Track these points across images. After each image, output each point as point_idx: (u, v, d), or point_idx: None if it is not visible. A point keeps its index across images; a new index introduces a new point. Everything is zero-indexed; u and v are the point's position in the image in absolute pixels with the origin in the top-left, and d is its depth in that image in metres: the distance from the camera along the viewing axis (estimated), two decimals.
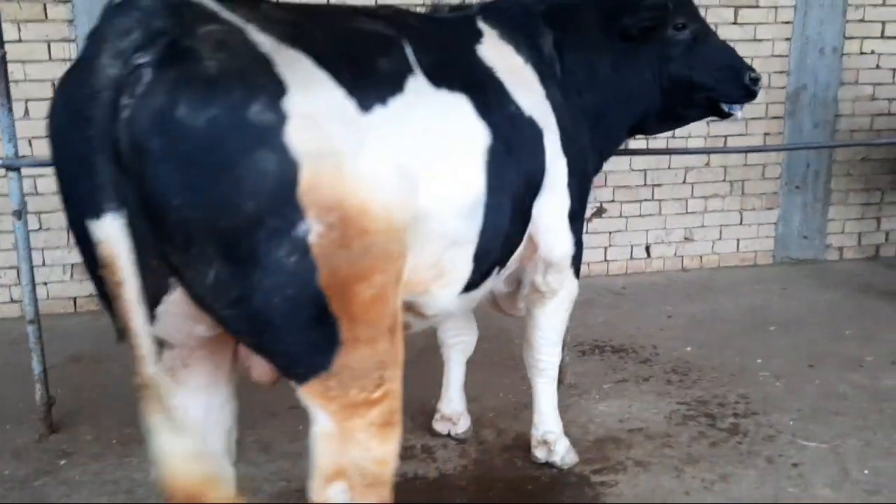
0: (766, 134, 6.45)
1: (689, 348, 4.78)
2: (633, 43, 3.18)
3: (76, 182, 1.63)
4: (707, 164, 6.39)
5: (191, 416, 2.07)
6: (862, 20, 6.39)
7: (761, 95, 6.21)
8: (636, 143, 5.71)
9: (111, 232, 1.61)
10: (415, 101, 2.08)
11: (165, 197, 1.62)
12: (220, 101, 1.61)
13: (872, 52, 6.49)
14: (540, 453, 3.37)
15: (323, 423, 1.93)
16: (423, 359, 3.97)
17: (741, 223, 6.59)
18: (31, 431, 3.73)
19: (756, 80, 3.34)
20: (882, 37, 6.47)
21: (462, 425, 3.64)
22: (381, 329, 1.92)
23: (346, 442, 1.94)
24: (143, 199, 1.62)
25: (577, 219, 3.02)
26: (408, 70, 2.12)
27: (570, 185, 2.92)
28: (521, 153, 2.57)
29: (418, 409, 3.82)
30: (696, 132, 6.16)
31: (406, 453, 3.53)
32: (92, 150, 1.58)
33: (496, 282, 2.85)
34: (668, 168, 6.32)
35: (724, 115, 3.48)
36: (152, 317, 1.81)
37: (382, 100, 1.95)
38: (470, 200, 2.28)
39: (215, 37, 1.68)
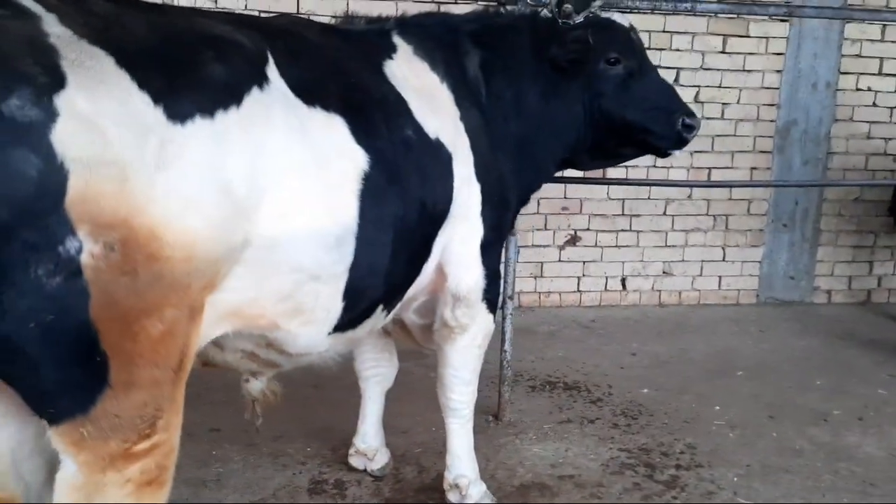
0: (752, 168, 6.20)
1: (645, 390, 4.53)
2: (563, 73, 3.00)
3: None
4: (689, 197, 6.14)
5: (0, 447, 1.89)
6: (858, 55, 6.14)
7: (748, 128, 6.07)
8: (615, 171, 5.44)
9: None
10: (257, 116, 1.86)
11: None
12: None
13: (869, 89, 6.22)
14: (453, 497, 3.14)
15: (69, 470, 1.67)
16: (352, 384, 3.75)
17: (724, 259, 6.33)
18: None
19: (690, 127, 3.15)
20: (879, 73, 6.20)
21: (378, 461, 3.42)
22: (167, 371, 1.70)
23: (94, 497, 1.67)
24: None
25: (490, 250, 2.81)
26: (254, 82, 1.90)
27: (485, 214, 2.73)
28: (416, 180, 2.37)
29: (341, 440, 3.62)
30: (679, 163, 5.95)
31: (317, 487, 3.34)
32: None
33: (386, 320, 2.63)
34: (648, 198, 6.09)
35: (662, 155, 3.32)
36: None
37: (206, 111, 1.73)
38: (334, 231, 2.07)
39: None
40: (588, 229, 6.08)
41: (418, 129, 2.44)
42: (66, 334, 1.53)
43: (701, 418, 4.16)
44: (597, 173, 4.61)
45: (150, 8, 1.89)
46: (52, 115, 1.45)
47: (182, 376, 1.77)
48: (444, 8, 5.32)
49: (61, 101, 1.47)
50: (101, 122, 1.52)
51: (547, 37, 3.01)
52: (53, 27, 1.55)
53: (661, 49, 5.77)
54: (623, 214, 6.10)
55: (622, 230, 6.11)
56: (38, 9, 1.57)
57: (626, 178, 5.42)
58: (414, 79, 2.59)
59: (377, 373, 3.37)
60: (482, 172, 2.71)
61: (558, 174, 3.60)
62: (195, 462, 3.45)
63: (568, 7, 3.09)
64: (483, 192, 2.72)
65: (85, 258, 1.49)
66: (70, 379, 1.58)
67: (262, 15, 5.22)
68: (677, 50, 5.87)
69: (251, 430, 3.44)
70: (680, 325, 5.86)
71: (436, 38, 2.80)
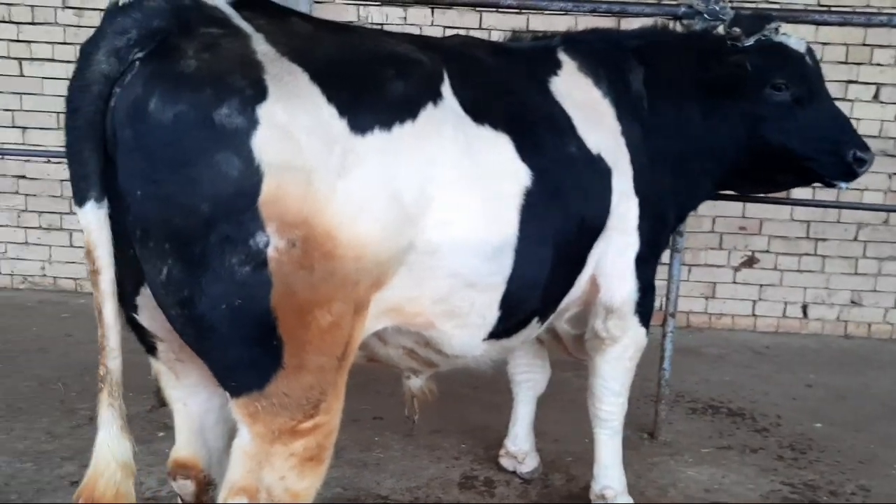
0: None
1: (818, 424, 4.26)
2: (723, 95, 2.96)
3: (70, 170, 1.74)
4: (885, 223, 5.67)
5: (190, 412, 2.19)
6: None
7: None
8: (800, 192, 5.20)
9: (91, 221, 1.71)
10: (430, 131, 2.02)
11: (130, 187, 1.68)
12: (189, 98, 1.65)
13: None
14: None
15: (244, 438, 1.89)
16: (508, 388, 3.87)
17: None
18: (145, 402, 4.11)
19: (861, 161, 3.00)
20: None
21: (528, 465, 3.51)
22: (332, 359, 1.88)
23: (263, 465, 1.88)
24: (115, 187, 1.71)
25: (645, 264, 2.82)
26: (429, 98, 2.06)
27: (641, 227, 2.75)
28: (577, 195, 2.46)
29: (494, 441, 3.75)
30: (875, 185, 5.52)
31: (467, 483, 3.48)
32: (78, 140, 1.69)
33: (540, 330, 2.73)
34: (837, 222, 5.70)
35: (829, 185, 3.17)
36: (135, 306, 1.93)
37: (385, 124, 1.90)
38: (492, 243, 2.18)
39: (209, 39, 1.73)
40: (767, 251, 5.79)
41: (580, 144, 2.52)
42: (251, 318, 1.75)
43: (879, 460, 3.86)
44: (780, 193, 4.41)
45: (343, 29, 2.13)
46: (254, 123, 1.68)
47: (345, 365, 1.96)
48: (621, 22, 5.31)
49: (262, 111, 1.69)
50: (295, 131, 1.73)
51: (712, 57, 3.00)
52: (260, 45, 1.79)
53: (859, 63, 5.40)
54: (808, 237, 5.75)
55: (805, 254, 5.77)
56: (249, 29, 1.82)
57: (814, 198, 5.12)
58: (578, 94, 2.67)
59: (529, 378, 3.47)
60: (641, 187, 2.73)
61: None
62: (359, 445, 3.72)
63: (736, 30, 3.04)
64: (641, 206, 2.74)
65: (271, 252, 1.71)
66: (251, 357, 1.80)
67: (447, 30, 5.55)
68: (878, 65, 5.45)
69: (410, 421, 3.68)
70: (865, 358, 5.43)
71: (600, 54, 2.87)
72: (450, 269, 2.11)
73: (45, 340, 4.97)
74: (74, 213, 5.24)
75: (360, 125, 1.85)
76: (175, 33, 1.73)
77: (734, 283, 5.84)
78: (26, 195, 5.95)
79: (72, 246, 6.02)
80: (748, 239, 5.77)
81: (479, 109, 2.22)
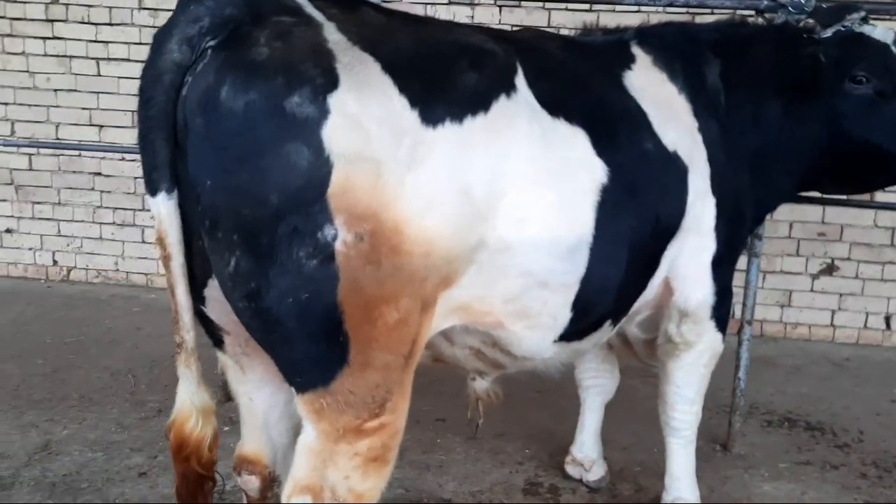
0: None
1: None
2: (800, 89, 2.82)
3: (142, 160, 1.75)
4: None
5: (255, 407, 2.17)
6: None
7: None
8: (884, 195, 4.94)
9: (162, 210, 1.71)
10: (503, 124, 1.95)
11: (200, 177, 1.67)
12: (260, 87, 1.62)
13: None
14: None
15: (309, 435, 1.86)
16: (574, 393, 3.77)
17: None
18: (211, 397, 4.15)
19: None
20: None
21: (595, 473, 3.41)
22: (398, 357, 1.83)
23: (327, 464, 1.85)
24: (186, 177, 1.70)
25: (722, 266, 2.70)
26: (502, 90, 1.99)
27: (718, 228, 2.63)
28: (653, 193, 2.37)
29: (559, 447, 3.66)
30: None
31: (531, 489, 3.41)
32: (151, 130, 1.69)
33: (610, 334, 2.63)
34: None
35: None
36: (203, 298, 1.91)
37: (456, 116, 1.84)
38: (567, 241, 2.10)
39: (282, 27, 1.71)
40: (848, 259, 5.51)
41: (657, 141, 2.42)
42: (317, 312, 1.71)
43: None
44: (863, 196, 4.20)
45: (416, 19, 2.08)
46: (324, 112, 1.64)
47: (411, 363, 1.91)
48: (696, 18, 5.14)
49: (333, 100, 1.65)
50: (365, 122, 1.68)
51: (788, 50, 2.87)
52: (332, 34, 1.76)
53: None
54: (892, 245, 5.45)
55: (889, 262, 5.47)
56: (321, 17, 1.79)
57: None
58: (652, 89, 2.58)
59: (597, 383, 3.37)
60: (718, 185, 2.62)
61: (817, 195, 3.35)
62: (421, 447, 3.68)
63: (809, 21, 2.90)
64: (718, 205, 2.62)
65: (338, 245, 1.67)
66: (317, 353, 1.77)
67: (515, 28, 5.46)
68: None
69: (474, 424, 3.62)
70: None
71: (675, 47, 2.76)
72: (522, 268, 2.04)
73: (117, 333, 5.09)
74: (147, 210, 5.34)
75: (431, 117, 1.80)
76: (247, 21, 1.71)
77: (812, 291, 5.58)
78: (101, 192, 6.11)
79: (143, 242, 6.15)
80: (827, 245, 5.51)
81: (554, 102, 2.14)
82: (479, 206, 1.88)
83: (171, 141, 1.71)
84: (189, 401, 1.93)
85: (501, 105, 1.97)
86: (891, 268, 5.48)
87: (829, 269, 5.54)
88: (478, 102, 1.92)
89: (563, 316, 2.23)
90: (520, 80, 2.08)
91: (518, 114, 2.01)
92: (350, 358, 1.77)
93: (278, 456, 2.23)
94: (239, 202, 1.65)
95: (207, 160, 1.66)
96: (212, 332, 2.06)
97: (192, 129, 1.67)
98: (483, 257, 1.96)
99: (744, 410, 3.88)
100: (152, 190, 1.72)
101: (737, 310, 3.69)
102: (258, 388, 2.14)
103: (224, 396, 4.05)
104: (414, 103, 1.78)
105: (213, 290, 1.87)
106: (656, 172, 2.40)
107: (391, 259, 1.73)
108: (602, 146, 2.21)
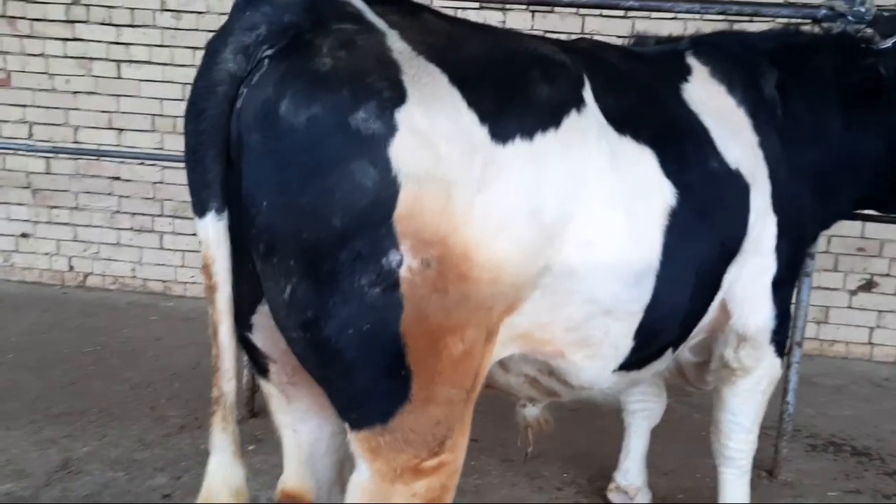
0: None
1: None
2: (861, 102, 2.68)
3: (190, 178, 1.60)
4: None
5: (299, 439, 2.03)
6: None
7: None
8: None
9: (211, 233, 1.57)
10: (574, 140, 1.81)
11: (256, 196, 1.52)
12: (324, 101, 1.48)
13: None
14: None
15: (363, 474, 1.71)
16: (611, 411, 3.62)
17: None
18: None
19: None
20: None
21: (639, 500, 3.25)
22: (461, 391, 1.69)
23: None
24: (239, 197, 1.55)
25: (783, 288, 2.55)
26: (573, 105, 1.85)
27: (780, 248, 2.48)
28: (717, 216, 2.23)
29: (598, 470, 3.51)
30: None
31: None
32: (202, 145, 1.55)
33: (669, 362, 2.48)
34: None
35: None
36: (250, 325, 1.77)
37: (527, 133, 1.70)
38: (635, 267, 1.96)
39: (344, 36, 1.56)
40: (888, 275, 5.35)
41: (720, 159, 2.28)
42: (379, 344, 1.57)
43: None
44: None
45: (480, 27, 1.93)
46: (392, 128, 1.50)
47: (473, 397, 1.77)
48: (737, 26, 4.99)
49: (401, 115, 1.51)
50: (435, 139, 1.54)
51: (847, 61, 2.73)
52: (396, 43, 1.61)
53: None
54: None
55: None
56: (383, 25, 1.64)
57: None
58: (711, 102, 2.43)
59: (645, 407, 3.21)
60: (780, 203, 2.47)
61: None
62: None
63: (868, 30, 2.75)
64: (779, 224, 2.48)
65: (403, 272, 1.53)
66: (377, 388, 1.63)
67: (548, 34, 5.33)
68: None
69: (508, 444, 3.46)
70: None
71: (732, 58, 2.61)
72: (587, 295, 1.90)
73: (135, 343, 4.96)
74: (165, 216, 5.23)
75: (501, 133, 1.66)
76: (308, 29, 1.57)
77: (850, 307, 5.42)
78: (120, 196, 5.99)
79: (162, 248, 6.03)
80: (867, 261, 5.35)
81: (621, 118, 2.01)
82: (548, 229, 1.74)
83: (222, 157, 1.56)
84: (221, 480, 1.69)
85: (572, 120, 1.82)
86: None
87: (868, 286, 5.38)
88: (549, 117, 1.77)
89: (625, 345, 2.09)
90: (588, 94, 1.94)
91: (587, 129, 1.87)
92: (412, 393, 1.63)
93: (323, 491, 2.08)
94: (298, 225, 1.50)
95: (265, 179, 1.52)
96: (256, 361, 1.91)
97: (248, 145, 1.53)
98: (547, 283, 1.82)
99: (789, 433, 3.72)
100: (200, 210, 1.57)
101: None
102: (304, 419, 1.99)
103: (249, 413, 3.95)
104: (484, 118, 1.63)
105: (261, 316, 1.73)
106: (721, 192, 2.26)
107: (458, 286, 1.59)
108: (669, 165, 2.07)
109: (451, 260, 1.57)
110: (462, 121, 1.60)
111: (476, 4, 5.24)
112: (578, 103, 1.87)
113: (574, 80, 1.91)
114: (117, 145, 5.87)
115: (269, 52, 1.55)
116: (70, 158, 5.91)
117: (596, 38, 5.18)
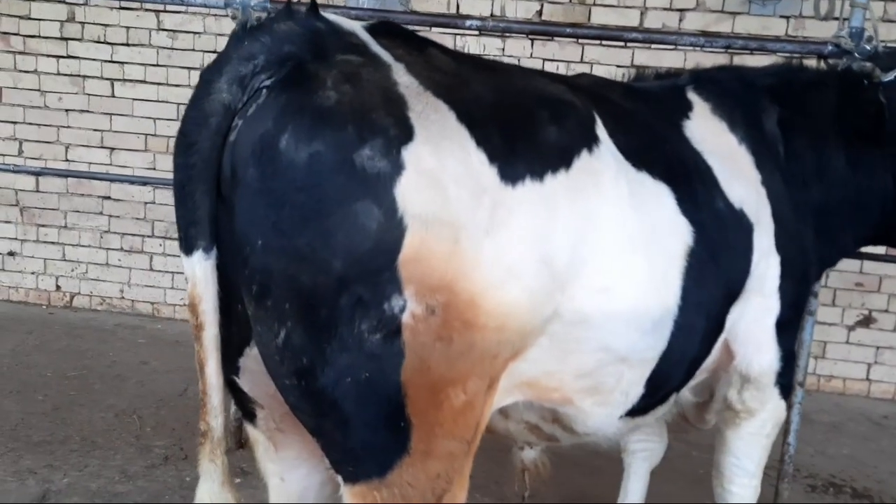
0: None
1: None
2: (865, 138, 2.62)
3: (178, 213, 1.52)
4: None
5: (287, 489, 1.94)
6: None
7: None
8: None
9: (198, 272, 1.49)
10: (587, 182, 1.73)
11: (250, 235, 1.44)
12: (328, 137, 1.41)
13: None
14: None
15: None
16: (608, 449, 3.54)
17: None
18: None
19: None
20: None
21: None
22: (462, 443, 1.61)
23: None
24: (231, 235, 1.47)
25: (787, 328, 2.48)
26: (584, 145, 1.78)
27: (783, 288, 2.41)
28: (724, 256, 2.16)
29: None
30: None
31: None
32: (191, 180, 1.47)
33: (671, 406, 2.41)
34: None
35: None
36: (237, 368, 1.69)
37: (537, 174, 1.63)
38: (653, 314, 1.88)
39: (349, 68, 1.49)
40: (886, 311, 5.30)
41: (725, 198, 2.23)
42: (378, 395, 1.49)
43: None
44: None
45: (486, 64, 1.86)
46: (398, 168, 1.43)
47: (473, 449, 1.69)
48: (736, 59, 4.97)
49: (409, 154, 1.44)
50: (443, 180, 1.47)
51: (848, 96, 2.68)
52: (402, 77, 1.54)
53: None
54: None
55: None
56: (388, 58, 1.58)
57: None
58: (714, 140, 2.38)
59: (646, 447, 3.12)
60: (783, 243, 2.41)
61: None
62: None
63: (868, 65, 2.71)
64: (783, 264, 2.41)
65: (406, 318, 1.45)
66: (374, 441, 1.55)
67: (546, 63, 5.30)
68: None
69: (504, 483, 3.37)
70: None
71: (732, 94, 2.56)
72: (600, 343, 1.82)
73: (121, 367, 4.84)
74: (156, 237, 5.12)
75: (511, 174, 1.58)
76: (309, 60, 1.49)
77: (847, 343, 5.36)
78: (110, 216, 5.89)
79: (151, 269, 5.93)
80: (865, 296, 5.30)
81: (635, 156, 1.94)
82: (559, 275, 1.66)
83: (212, 193, 1.48)
84: None
85: (584, 160, 1.75)
86: None
87: (867, 321, 5.33)
88: (559, 158, 1.70)
89: (636, 392, 2.02)
90: (601, 131, 1.87)
91: (602, 170, 1.80)
92: (411, 446, 1.55)
93: None
94: (296, 267, 1.42)
95: (260, 217, 1.43)
96: (243, 405, 1.82)
97: (244, 180, 1.45)
98: (556, 329, 1.74)
99: (790, 476, 3.64)
100: (188, 248, 1.49)
101: None
102: (292, 467, 1.90)
103: (235, 444, 3.84)
104: (493, 158, 1.56)
105: (249, 359, 1.65)
106: (727, 232, 2.20)
107: (463, 335, 1.51)
108: (686, 204, 2.01)
109: (457, 307, 1.49)
110: (471, 161, 1.53)
111: (475, 32, 5.21)
112: (590, 143, 1.80)
113: (584, 119, 1.84)
114: (109, 164, 5.78)
115: (267, 82, 1.48)
116: (60, 176, 5.80)
117: (595, 66, 5.21)
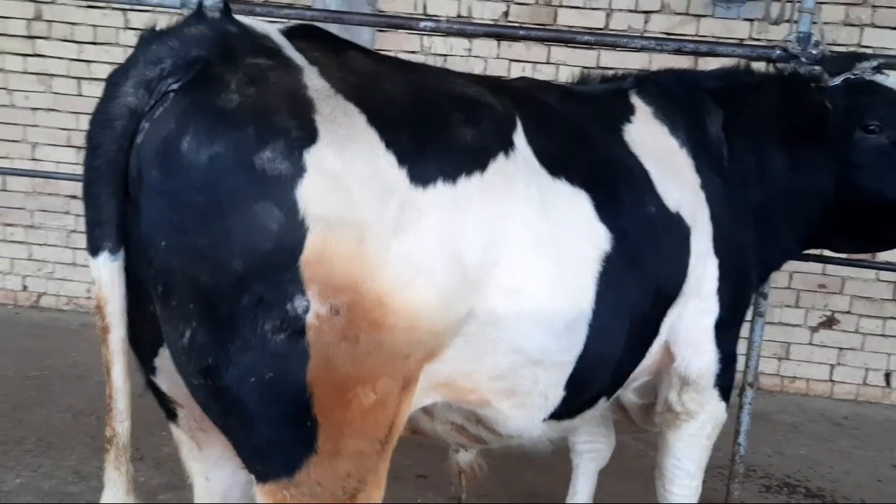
0: None
1: None
2: (807, 140, 2.64)
3: (85, 215, 1.52)
4: None
5: (211, 487, 1.94)
6: None
7: None
8: (890, 254, 4.80)
9: (104, 274, 1.49)
10: (500, 184, 1.75)
11: (153, 236, 1.45)
12: (227, 139, 1.42)
13: None
14: None
15: None
16: (560, 448, 3.56)
17: None
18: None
19: None
20: None
21: None
22: (373, 442, 1.62)
23: None
24: (137, 236, 1.48)
25: (727, 331, 2.50)
26: (500, 148, 1.79)
27: (722, 290, 2.43)
28: (655, 260, 2.18)
29: None
30: None
31: None
32: (96, 182, 1.48)
33: (604, 408, 2.43)
34: None
35: None
36: (153, 368, 1.70)
37: (449, 176, 1.64)
38: (565, 316, 1.90)
39: (256, 71, 1.51)
40: (849, 312, 5.35)
41: (659, 202, 2.24)
42: (283, 394, 1.50)
43: None
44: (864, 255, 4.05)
45: (406, 66, 1.87)
46: (300, 170, 1.44)
47: (388, 449, 1.70)
48: (701, 61, 5.01)
49: (311, 156, 1.45)
50: (348, 181, 1.48)
51: (794, 99, 2.70)
52: (313, 80, 1.56)
53: None
54: (894, 299, 5.30)
55: (891, 317, 5.31)
56: (301, 61, 1.59)
57: None
58: (653, 144, 2.40)
59: (593, 448, 3.15)
60: (721, 245, 2.43)
61: (816, 252, 3.19)
62: None
63: (816, 69, 2.74)
64: (721, 266, 2.43)
65: (310, 319, 1.46)
66: (280, 439, 1.55)
67: (513, 64, 5.32)
68: None
69: (456, 498, 3.38)
70: None
71: (676, 97, 2.59)
72: (513, 344, 1.83)
73: (83, 368, 4.82)
74: None
75: (421, 176, 1.60)
76: (217, 63, 1.50)
77: (811, 344, 5.41)
78: (77, 215, 5.87)
79: None
80: (828, 298, 5.35)
81: (555, 161, 1.96)
82: (470, 275, 1.68)
83: (119, 195, 1.49)
84: None
85: (499, 164, 1.77)
86: (892, 323, 5.33)
87: (829, 323, 5.38)
88: (473, 161, 1.71)
89: (555, 395, 2.03)
90: (519, 137, 1.89)
91: (516, 173, 1.81)
92: (318, 445, 1.56)
93: None
94: (197, 267, 1.43)
95: (163, 218, 1.44)
96: (164, 405, 1.83)
97: (147, 181, 1.45)
98: (471, 330, 1.76)
99: (741, 475, 3.67)
100: (93, 249, 1.50)
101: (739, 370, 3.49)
102: (216, 466, 1.91)
103: None
104: (403, 160, 1.57)
105: (164, 359, 1.65)
106: (659, 236, 2.21)
107: (371, 335, 1.53)
108: (605, 210, 2.02)
109: (363, 306, 1.50)
110: (378, 163, 1.54)
111: (429, 33, 5.22)
112: (506, 147, 1.82)
113: (502, 122, 1.86)
114: (76, 164, 5.76)
115: (174, 86, 1.49)
116: (26, 176, 5.78)
117: (562, 67, 5.23)
